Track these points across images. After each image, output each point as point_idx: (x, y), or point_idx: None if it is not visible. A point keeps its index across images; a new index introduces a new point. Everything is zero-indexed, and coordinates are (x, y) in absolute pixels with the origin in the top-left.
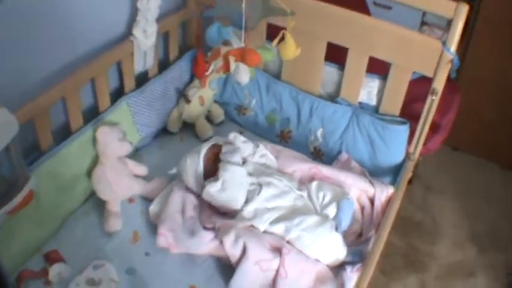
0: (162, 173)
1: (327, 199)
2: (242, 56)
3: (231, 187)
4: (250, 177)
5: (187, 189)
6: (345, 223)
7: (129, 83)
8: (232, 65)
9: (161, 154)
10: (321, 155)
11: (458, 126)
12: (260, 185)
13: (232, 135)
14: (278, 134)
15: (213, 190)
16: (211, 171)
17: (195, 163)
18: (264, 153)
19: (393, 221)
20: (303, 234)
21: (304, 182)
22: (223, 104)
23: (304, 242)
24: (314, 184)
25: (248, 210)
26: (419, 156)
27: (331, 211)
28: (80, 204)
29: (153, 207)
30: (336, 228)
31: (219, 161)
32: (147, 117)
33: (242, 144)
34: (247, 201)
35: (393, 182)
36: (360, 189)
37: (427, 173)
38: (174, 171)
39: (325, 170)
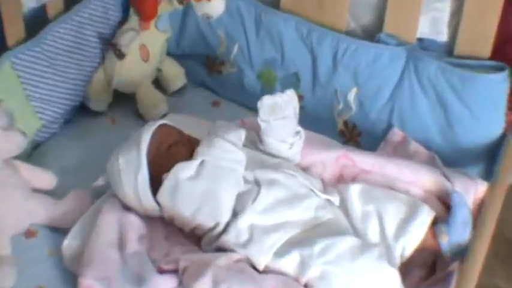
0: (81, 182)
1: (390, 220)
2: None
3: (213, 178)
4: (245, 171)
5: (126, 208)
6: (461, 235)
7: (14, 30)
8: None
9: (78, 150)
10: (356, 135)
11: None
12: (258, 184)
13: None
14: None
15: (182, 176)
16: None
17: (133, 162)
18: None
19: (490, 242)
20: (331, 270)
21: (328, 181)
22: (183, 57)
23: (334, 283)
24: (356, 188)
25: (238, 229)
26: None
27: (374, 230)
28: None
29: (69, 243)
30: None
31: (180, 155)
32: (49, 88)
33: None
34: (236, 213)
35: (486, 175)
36: (425, 189)
37: None
38: (100, 181)
39: (362, 160)
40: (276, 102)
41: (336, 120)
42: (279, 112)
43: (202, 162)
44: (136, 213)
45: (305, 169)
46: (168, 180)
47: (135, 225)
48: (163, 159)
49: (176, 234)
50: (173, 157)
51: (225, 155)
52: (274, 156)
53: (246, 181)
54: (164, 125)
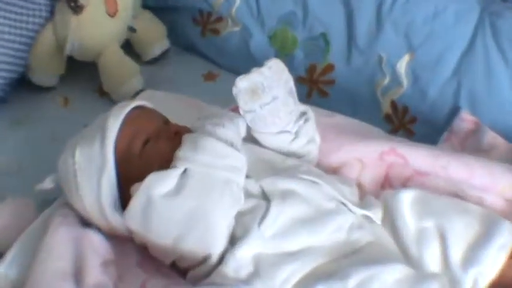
0: (20, 186)
1: (457, 241)
2: None
3: (200, 194)
4: (246, 179)
5: (85, 223)
6: None
7: None
8: None
9: (17, 141)
10: (409, 121)
11: None
12: (266, 198)
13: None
14: (300, 77)
15: (156, 192)
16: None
17: (95, 160)
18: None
19: None
20: None
21: (368, 187)
22: (166, 11)
23: None
24: (408, 196)
25: (238, 261)
26: None
27: (433, 255)
28: None
29: (4, 272)
30: None
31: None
32: None
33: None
34: (235, 239)
35: None
36: (506, 198)
37: None
38: (47, 184)
39: (417, 157)
40: (255, 82)
41: (380, 101)
42: (264, 95)
43: (184, 172)
44: (99, 230)
45: (335, 171)
46: (137, 198)
47: (97, 247)
48: (138, 161)
49: (155, 260)
50: (152, 158)
51: (217, 160)
52: (287, 154)
53: (248, 194)
54: (140, 107)
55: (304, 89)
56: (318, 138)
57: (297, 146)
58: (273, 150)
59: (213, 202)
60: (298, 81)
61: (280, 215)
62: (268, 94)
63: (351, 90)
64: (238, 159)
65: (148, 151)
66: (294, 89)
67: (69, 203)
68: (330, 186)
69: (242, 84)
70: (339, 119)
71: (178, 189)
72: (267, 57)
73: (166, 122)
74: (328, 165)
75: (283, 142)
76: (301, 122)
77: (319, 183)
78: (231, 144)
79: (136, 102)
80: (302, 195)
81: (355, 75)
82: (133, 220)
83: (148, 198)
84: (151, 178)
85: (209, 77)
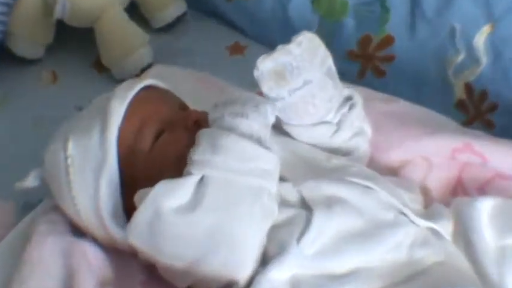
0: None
1: None
2: None
3: (223, 208)
4: (281, 183)
5: (77, 232)
6: None
7: None
8: None
9: None
10: (488, 109)
11: None
12: (307, 208)
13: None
14: (350, 52)
15: (167, 205)
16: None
17: (92, 154)
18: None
19: None
20: None
21: (436, 192)
22: None
23: None
24: (487, 205)
25: (272, 283)
26: None
27: None
28: None
29: None
30: None
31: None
32: None
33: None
34: (267, 258)
35: None
36: None
37: None
38: (30, 181)
39: (499, 155)
40: (280, 63)
41: (452, 83)
42: (293, 78)
43: (202, 180)
44: (95, 240)
45: (393, 172)
46: (143, 211)
47: (92, 263)
48: (147, 157)
49: (163, 281)
50: (166, 154)
51: (242, 164)
52: (329, 151)
53: (284, 203)
54: (151, 88)
55: (356, 67)
56: (368, 130)
57: (340, 140)
58: (311, 145)
59: (240, 217)
60: (348, 56)
61: (324, 228)
62: (298, 77)
63: (415, 69)
64: (269, 160)
65: (162, 145)
66: (333, 69)
67: (58, 206)
68: (387, 192)
69: (265, 65)
70: (400, 105)
71: (195, 202)
72: (308, 26)
73: (184, 107)
74: (385, 164)
75: (322, 136)
76: (344, 109)
77: (373, 188)
78: (258, 141)
79: (147, 81)
80: (352, 203)
81: (420, 51)
82: (137, 238)
83: (156, 213)
84: (160, 188)
85: (235, 49)
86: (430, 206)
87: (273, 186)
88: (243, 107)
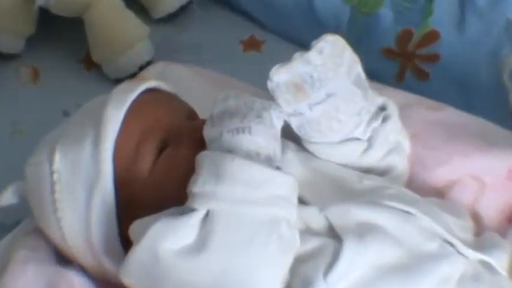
0: None
1: None
2: None
3: (234, 247)
4: (305, 207)
5: (63, 260)
6: None
7: None
8: None
9: None
10: None
11: None
12: (336, 237)
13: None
14: (387, 49)
15: (168, 248)
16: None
17: (84, 169)
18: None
19: None
20: None
21: (489, 219)
22: None
23: None
24: None
25: None
26: None
27: None
28: None
29: None
30: None
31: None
32: None
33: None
34: None
35: None
36: None
37: None
38: (7, 198)
39: None
40: (298, 74)
41: (508, 86)
42: (313, 91)
43: (207, 216)
44: (83, 270)
45: (438, 194)
46: (138, 252)
47: None
48: (148, 176)
49: None
50: (170, 174)
51: (251, 192)
52: (362, 171)
53: (308, 231)
54: (154, 91)
55: (394, 67)
56: (406, 145)
57: (372, 159)
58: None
59: (255, 256)
60: (385, 55)
61: (356, 260)
62: (319, 90)
63: (463, 71)
64: (283, 183)
65: (165, 163)
66: (362, 76)
67: (40, 229)
68: (431, 218)
69: (280, 77)
70: (447, 113)
71: (200, 244)
72: (337, 18)
73: (192, 115)
74: (429, 184)
75: (349, 155)
76: (376, 123)
77: (414, 213)
78: (268, 160)
79: (149, 83)
80: (389, 231)
81: (470, 49)
82: (132, 279)
83: (154, 256)
84: (159, 228)
85: (251, 44)
86: (481, 234)
87: (291, 213)
88: (243, 119)
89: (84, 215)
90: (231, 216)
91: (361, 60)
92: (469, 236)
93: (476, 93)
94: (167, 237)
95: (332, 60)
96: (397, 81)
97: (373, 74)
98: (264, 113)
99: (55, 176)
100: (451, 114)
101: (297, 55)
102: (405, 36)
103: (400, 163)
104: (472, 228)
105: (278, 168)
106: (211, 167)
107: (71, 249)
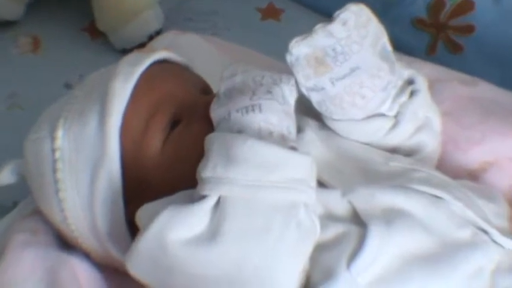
0: None
1: None
2: None
3: (248, 235)
4: (325, 191)
5: (65, 245)
6: None
7: None
8: None
9: None
10: None
11: None
12: (360, 223)
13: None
14: (419, 20)
15: (176, 237)
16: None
17: (88, 147)
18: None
19: None
20: None
21: None
22: None
23: None
24: None
25: None
26: None
27: None
28: None
29: None
30: None
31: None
32: None
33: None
34: (311, 287)
35: None
36: None
37: None
38: (5, 177)
39: None
40: (320, 47)
41: None
42: (336, 64)
43: (218, 203)
44: (87, 256)
45: (472, 176)
46: (144, 241)
47: (83, 284)
48: (158, 154)
49: None
50: (183, 152)
51: (265, 176)
52: (389, 151)
53: (330, 216)
54: (164, 63)
55: (425, 39)
56: (437, 122)
57: (399, 137)
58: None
59: (271, 246)
60: (415, 25)
61: (382, 249)
62: (343, 64)
63: (500, 44)
64: (300, 164)
65: (177, 140)
66: (389, 48)
67: (40, 211)
68: (463, 203)
69: (300, 50)
70: (483, 89)
71: (212, 232)
72: None
73: (207, 90)
74: (462, 166)
75: (375, 133)
76: (403, 98)
77: (445, 198)
78: (282, 139)
79: (159, 54)
80: (418, 217)
81: (507, 20)
82: (139, 270)
83: (162, 247)
84: (166, 216)
85: (270, 12)
86: None
87: (309, 196)
88: (253, 96)
89: (88, 196)
90: (244, 202)
91: (388, 32)
92: (505, 223)
93: (497, 64)
94: (176, 226)
95: (356, 32)
96: (428, 54)
97: (402, 46)
98: (274, 88)
99: (57, 154)
100: (486, 89)
101: (319, 26)
102: (437, 6)
103: (430, 142)
104: (508, 214)
105: (293, 148)
106: (221, 149)
107: (73, 233)
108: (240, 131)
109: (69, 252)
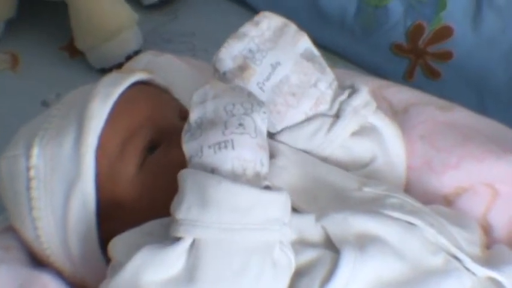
0: None
1: None
2: None
3: (222, 274)
4: (299, 216)
5: (37, 261)
6: None
7: None
8: None
9: None
10: None
11: None
12: (334, 248)
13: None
14: (397, 45)
15: (151, 279)
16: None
17: (63, 165)
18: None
19: None
20: None
21: (503, 231)
22: None
23: None
24: None
25: None
26: None
27: None
28: None
29: None
30: None
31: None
32: None
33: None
34: None
35: None
36: None
37: None
38: None
39: None
40: (238, 52)
41: None
42: (257, 63)
43: (193, 245)
44: (60, 275)
45: (446, 202)
46: (118, 280)
47: None
48: (135, 178)
49: None
50: (159, 178)
51: (239, 218)
52: (337, 160)
53: (304, 243)
54: (143, 85)
55: (403, 65)
56: (390, 136)
57: (343, 133)
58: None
59: (248, 287)
60: (394, 51)
61: (355, 275)
62: (262, 61)
63: (478, 70)
64: (274, 203)
65: (154, 166)
66: (314, 52)
67: (13, 227)
68: (436, 230)
69: (223, 63)
70: (459, 115)
71: (188, 275)
72: (343, 11)
73: (185, 114)
74: (436, 190)
75: (317, 133)
76: (343, 96)
77: (418, 225)
78: (256, 177)
79: (138, 75)
80: (391, 243)
81: (485, 47)
82: None
83: (136, 287)
84: (140, 258)
85: None
86: (491, 248)
87: (284, 234)
88: (225, 129)
89: (61, 215)
90: (219, 244)
91: (367, 56)
92: (477, 250)
93: (490, 94)
94: (150, 269)
95: (271, 32)
96: (407, 79)
97: (381, 71)
98: (246, 119)
99: (32, 172)
100: (463, 115)
101: (232, 35)
102: (416, 32)
103: (379, 153)
104: (481, 241)
105: (267, 186)
106: (195, 190)
107: (45, 251)
108: (214, 168)
109: (42, 269)
